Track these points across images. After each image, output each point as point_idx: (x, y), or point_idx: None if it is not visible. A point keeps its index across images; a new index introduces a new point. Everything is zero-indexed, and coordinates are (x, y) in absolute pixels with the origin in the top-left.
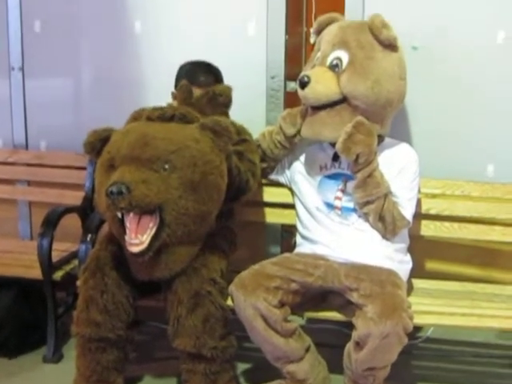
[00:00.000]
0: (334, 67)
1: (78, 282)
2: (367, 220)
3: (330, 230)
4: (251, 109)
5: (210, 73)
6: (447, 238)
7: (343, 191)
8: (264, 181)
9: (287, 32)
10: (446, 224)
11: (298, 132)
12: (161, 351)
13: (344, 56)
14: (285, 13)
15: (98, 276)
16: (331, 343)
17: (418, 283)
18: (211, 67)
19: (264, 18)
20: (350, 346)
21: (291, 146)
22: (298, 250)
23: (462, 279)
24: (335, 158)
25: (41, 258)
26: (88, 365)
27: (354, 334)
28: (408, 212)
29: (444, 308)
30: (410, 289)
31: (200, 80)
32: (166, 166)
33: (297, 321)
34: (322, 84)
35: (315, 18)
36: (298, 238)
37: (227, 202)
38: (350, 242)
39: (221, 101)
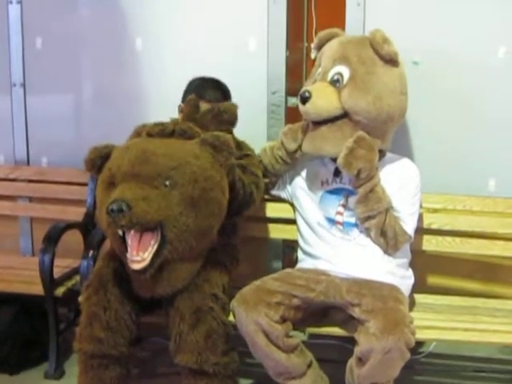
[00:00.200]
0: (335, 82)
1: (80, 298)
2: (369, 235)
3: (331, 245)
4: (252, 124)
5: (219, 89)
6: (449, 253)
7: (344, 206)
8: (265, 196)
9: (288, 47)
10: (448, 239)
11: (299, 147)
12: (162, 367)
13: (345, 71)
14: (285, 28)
15: (101, 293)
16: (333, 359)
17: (419, 298)
18: (220, 84)
19: (265, 34)
20: (352, 361)
21: (292, 161)
22: (299, 265)
23: (463, 294)
24: (336, 173)
25: (42, 274)
26: (90, 381)
27: (356, 350)
28: (410, 227)
29: (446, 323)
30: (412, 304)
31: (208, 95)
32: (167, 183)
33: (299, 336)
34: (323, 99)
35: (316, 33)
36: (300, 254)
37: (230, 216)
38: (352, 257)
39: (226, 118)
